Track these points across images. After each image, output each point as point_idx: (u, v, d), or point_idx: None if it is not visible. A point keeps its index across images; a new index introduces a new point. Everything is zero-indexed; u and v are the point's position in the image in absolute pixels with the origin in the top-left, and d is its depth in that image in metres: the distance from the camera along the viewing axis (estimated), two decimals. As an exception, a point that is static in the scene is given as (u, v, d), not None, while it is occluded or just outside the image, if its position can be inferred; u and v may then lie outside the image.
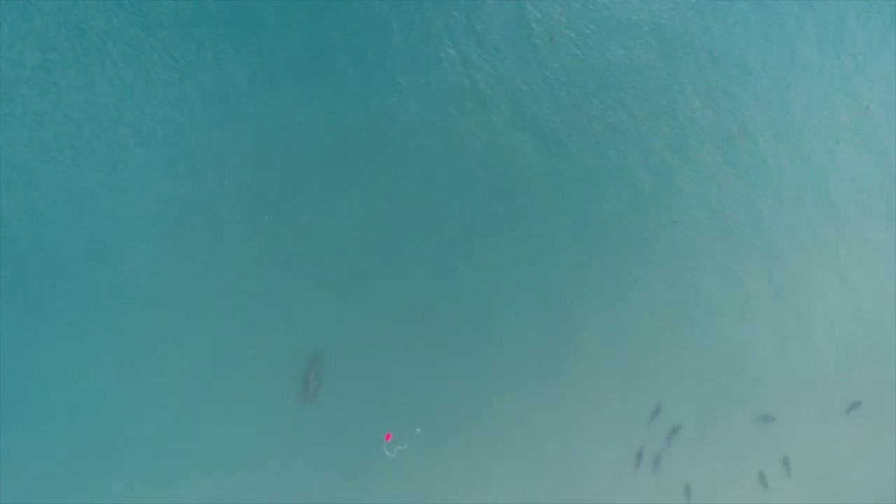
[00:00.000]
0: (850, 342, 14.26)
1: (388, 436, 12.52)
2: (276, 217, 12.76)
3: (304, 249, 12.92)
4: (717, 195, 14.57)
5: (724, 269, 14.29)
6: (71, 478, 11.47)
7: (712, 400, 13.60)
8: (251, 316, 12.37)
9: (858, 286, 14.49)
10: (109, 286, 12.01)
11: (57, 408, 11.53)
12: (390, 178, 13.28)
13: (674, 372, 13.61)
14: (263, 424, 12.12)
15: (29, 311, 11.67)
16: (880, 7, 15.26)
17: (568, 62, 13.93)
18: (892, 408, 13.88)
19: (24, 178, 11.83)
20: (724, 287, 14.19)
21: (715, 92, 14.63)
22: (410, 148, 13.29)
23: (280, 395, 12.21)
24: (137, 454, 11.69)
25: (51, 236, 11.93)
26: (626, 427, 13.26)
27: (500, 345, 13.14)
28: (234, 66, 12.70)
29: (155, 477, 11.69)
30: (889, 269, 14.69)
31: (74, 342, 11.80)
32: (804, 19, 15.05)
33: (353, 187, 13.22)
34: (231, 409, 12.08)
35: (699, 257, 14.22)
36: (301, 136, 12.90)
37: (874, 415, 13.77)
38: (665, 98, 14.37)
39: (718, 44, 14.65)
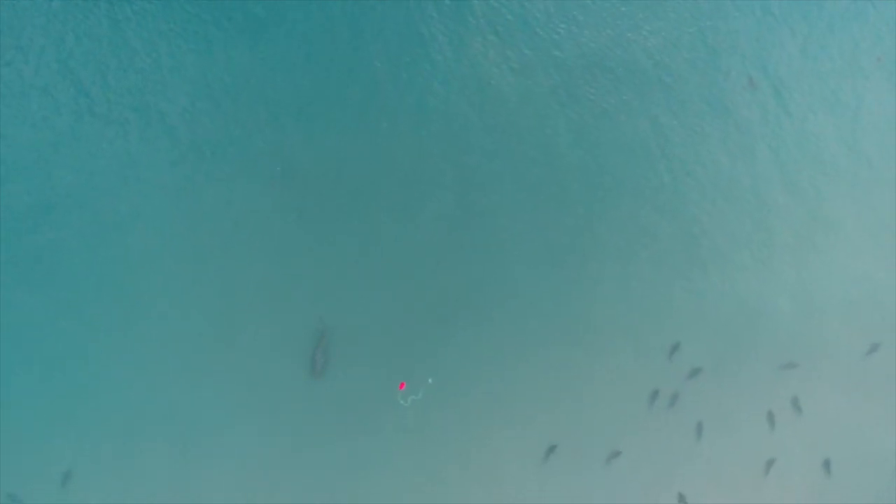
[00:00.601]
0: (871, 282, 13.97)
1: (402, 385, 12.78)
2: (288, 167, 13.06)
3: (316, 208, 13.25)
4: (734, 142, 14.42)
5: (739, 214, 14.12)
6: (66, 448, 11.99)
7: (730, 343, 13.49)
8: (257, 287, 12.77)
9: (878, 226, 14.16)
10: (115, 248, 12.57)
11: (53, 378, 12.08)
12: (398, 128, 13.52)
13: (690, 316, 13.55)
14: (272, 403, 12.38)
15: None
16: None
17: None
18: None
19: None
20: (739, 232, 14.01)
21: (732, 38, 14.63)
22: (426, 100, 13.59)
23: (288, 373, 12.48)
24: (140, 428, 12.12)
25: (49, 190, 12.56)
26: (641, 368, 13.26)
27: (514, 291, 13.28)
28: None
29: (160, 453, 12.08)
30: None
31: (78, 305, 12.34)
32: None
33: (361, 142, 13.53)
34: (238, 390, 12.39)
35: (713, 203, 14.08)
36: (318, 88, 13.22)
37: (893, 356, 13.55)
38: (685, 44, 14.27)
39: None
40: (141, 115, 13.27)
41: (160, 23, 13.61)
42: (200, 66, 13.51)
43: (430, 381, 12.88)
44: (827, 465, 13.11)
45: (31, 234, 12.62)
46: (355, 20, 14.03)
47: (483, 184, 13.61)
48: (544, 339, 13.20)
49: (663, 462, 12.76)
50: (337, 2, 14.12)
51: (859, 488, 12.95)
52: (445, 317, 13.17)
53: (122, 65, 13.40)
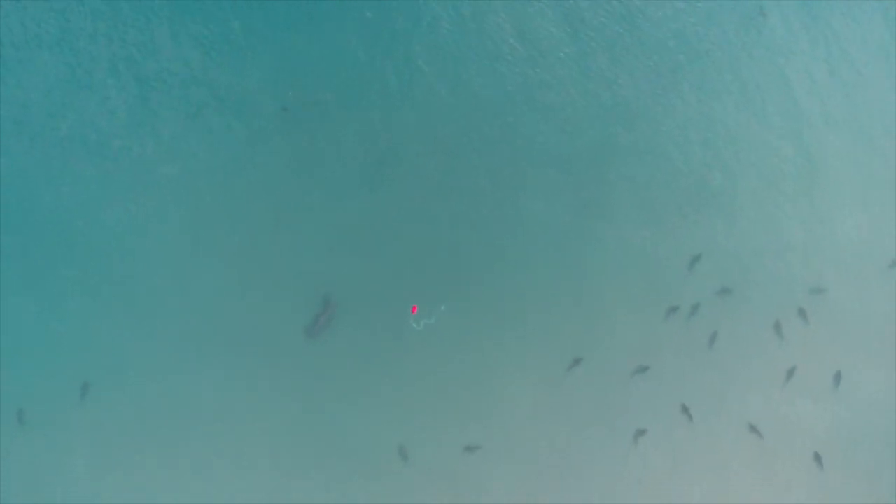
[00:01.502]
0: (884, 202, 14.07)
1: (414, 308, 12.90)
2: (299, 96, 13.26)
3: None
4: (746, 71, 14.45)
5: (752, 138, 14.17)
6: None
7: (747, 262, 13.57)
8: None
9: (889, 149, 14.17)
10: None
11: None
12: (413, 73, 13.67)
13: (704, 239, 13.63)
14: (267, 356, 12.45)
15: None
16: None
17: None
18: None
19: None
20: (749, 156, 14.06)
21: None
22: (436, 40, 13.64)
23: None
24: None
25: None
26: (657, 285, 13.36)
27: (527, 214, 13.40)
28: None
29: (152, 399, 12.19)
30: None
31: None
32: None
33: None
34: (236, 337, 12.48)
35: (727, 129, 14.13)
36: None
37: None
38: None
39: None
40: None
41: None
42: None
43: (442, 307, 12.97)
44: (837, 377, 13.20)
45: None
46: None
47: (497, 114, 13.75)
48: (559, 263, 13.31)
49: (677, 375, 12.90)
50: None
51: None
52: (457, 244, 13.28)
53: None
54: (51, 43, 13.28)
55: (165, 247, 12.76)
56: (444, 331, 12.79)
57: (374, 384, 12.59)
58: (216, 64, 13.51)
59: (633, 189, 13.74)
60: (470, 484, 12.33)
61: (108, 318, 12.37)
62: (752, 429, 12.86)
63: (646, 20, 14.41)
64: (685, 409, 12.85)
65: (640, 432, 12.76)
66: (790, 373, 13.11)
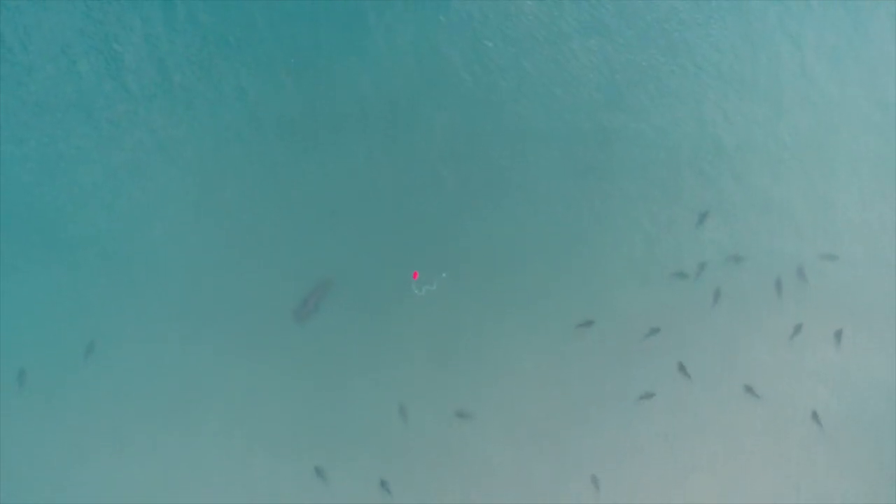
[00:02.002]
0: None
1: (416, 274, 12.91)
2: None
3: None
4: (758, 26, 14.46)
5: (767, 99, 14.18)
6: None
7: (754, 223, 13.58)
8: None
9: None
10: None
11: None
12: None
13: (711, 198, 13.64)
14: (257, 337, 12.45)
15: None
16: None
17: None
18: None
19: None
20: (757, 115, 14.09)
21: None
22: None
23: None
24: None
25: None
26: (663, 247, 13.34)
27: (530, 176, 13.40)
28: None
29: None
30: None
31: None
32: None
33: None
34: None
35: (737, 87, 14.14)
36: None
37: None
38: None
39: None
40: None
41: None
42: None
43: (444, 275, 12.97)
44: (838, 335, 13.15)
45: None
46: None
47: (500, 69, 13.79)
48: (562, 227, 13.29)
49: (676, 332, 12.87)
50: None
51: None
52: (459, 210, 13.27)
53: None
54: None
55: (165, 216, 12.87)
56: (445, 297, 12.77)
57: (373, 352, 12.56)
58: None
59: (638, 150, 13.70)
60: (469, 451, 12.26)
61: (97, 286, 12.51)
62: (748, 390, 12.78)
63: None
64: (682, 368, 12.77)
65: (648, 395, 12.67)
66: (797, 329, 13.07)
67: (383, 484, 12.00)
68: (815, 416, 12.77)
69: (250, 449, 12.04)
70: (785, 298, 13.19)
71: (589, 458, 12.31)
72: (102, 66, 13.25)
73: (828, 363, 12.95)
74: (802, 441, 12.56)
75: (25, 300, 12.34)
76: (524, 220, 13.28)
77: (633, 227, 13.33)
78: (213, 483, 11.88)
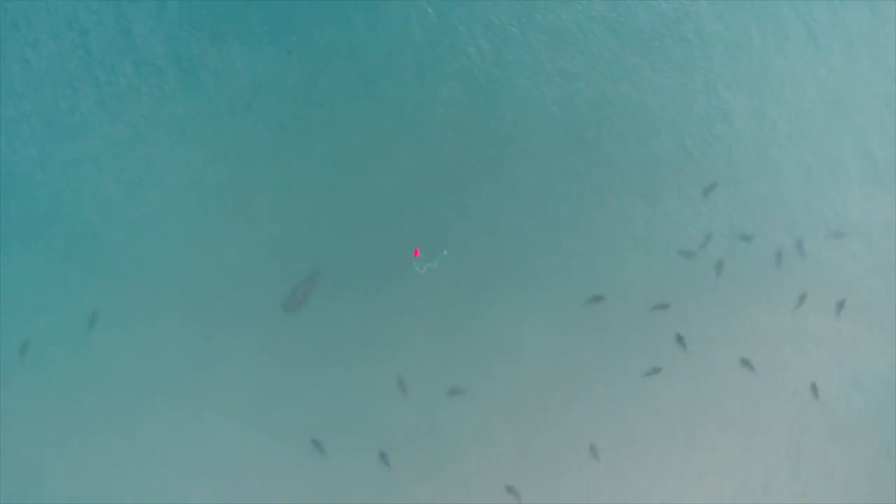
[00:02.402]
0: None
1: (416, 251, 12.87)
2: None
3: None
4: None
5: (773, 71, 14.19)
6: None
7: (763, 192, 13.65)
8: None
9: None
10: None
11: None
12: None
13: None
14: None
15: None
16: None
17: None
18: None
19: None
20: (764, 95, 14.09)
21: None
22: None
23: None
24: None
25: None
26: (666, 218, 13.36)
27: (531, 147, 13.38)
28: None
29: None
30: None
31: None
32: None
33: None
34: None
35: (747, 63, 14.16)
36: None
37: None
38: None
39: None
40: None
41: None
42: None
43: (445, 252, 12.95)
44: (840, 305, 13.17)
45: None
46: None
47: (505, 43, 13.78)
48: (564, 201, 13.29)
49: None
50: None
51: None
52: (460, 185, 13.26)
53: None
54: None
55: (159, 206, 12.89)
56: (446, 274, 12.77)
57: (374, 330, 12.55)
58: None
59: (641, 122, 13.71)
60: (469, 426, 12.26)
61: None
62: (745, 363, 12.79)
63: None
64: (680, 339, 12.79)
65: (655, 370, 12.68)
66: (801, 299, 13.13)
67: (382, 456, 12.00)
68: (813, 387, 12.76)
69: (250, 424, 12.02)
70: (785, 270, 13.19)
71: (590, 432, 12.29)
72: (108, 40, 13.30)
73: (829, 335, 12.95)
74: (801, 414, 12.56)
75: (27, 273, 12.36)
76: (525, 195, 13.26)
77: (636, 200, 13.31)
78: (211, 457, 11.86)
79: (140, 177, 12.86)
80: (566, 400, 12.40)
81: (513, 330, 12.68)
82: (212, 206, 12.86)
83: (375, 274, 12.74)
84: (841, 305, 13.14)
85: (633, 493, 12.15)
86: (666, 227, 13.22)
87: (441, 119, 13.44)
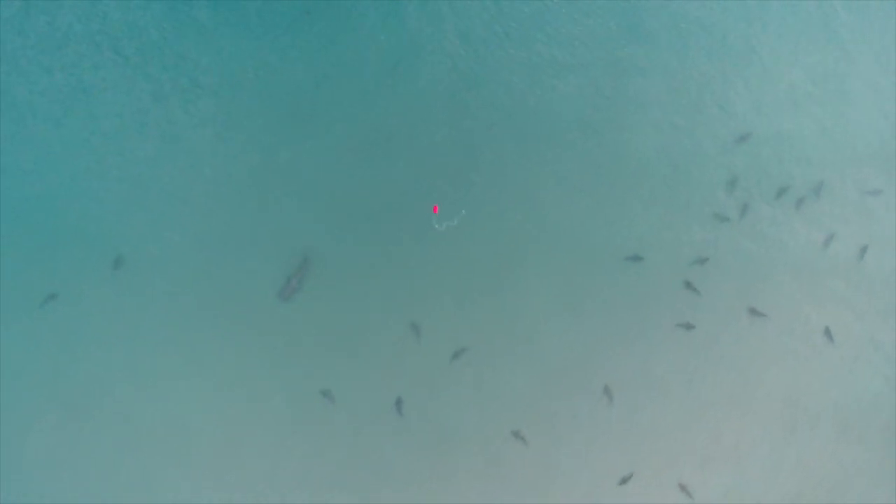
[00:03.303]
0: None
1: (436, 208, 13.04)
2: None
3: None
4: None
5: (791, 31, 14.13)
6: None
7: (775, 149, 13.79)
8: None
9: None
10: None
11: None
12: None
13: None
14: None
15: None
16: None
17: None
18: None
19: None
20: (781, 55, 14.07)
21: None
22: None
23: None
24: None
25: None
26: (688, 174, 13.51)
27: (551, 107, 13.45)
28: None
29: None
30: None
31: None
32: None
33: None
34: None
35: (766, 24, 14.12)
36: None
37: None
38: None
39: None
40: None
41: None
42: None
43: (463, 211, 13.12)
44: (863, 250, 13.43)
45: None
46: None
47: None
48: (586, 159, 13.41)
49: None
50: None
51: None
52: (480, 143, 13.37)
53: None
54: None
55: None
56: (465, 233, 12.98)
57: (393, 287, 12.80)
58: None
59: (660, 79, 13.76)
60: (487, 381, 12.58)
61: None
62: (753, 311, 13.05)
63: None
64: (689, 285, 13.04)
65: (688, 326, 12.93)
66: (827, 241, 13.40)
67: (398, 402, 12.30)
68: (827, 331, 13.02)
69: (266, 376, 12.33)
70: (803, 216, 13.41)
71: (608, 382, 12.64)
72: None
73: (849, 280, 13.20)
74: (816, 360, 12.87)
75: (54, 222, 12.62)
76: (544, 153, 13.37)
77: (656, 156, 13.43)
78: (226, 404, 12.22)
79: (162, 130, 12.94)
80: (583, 358, 12.69)
81: (531, 287, 12.92)
82: (234, 156, 12.99)
83: (395, 232, 12.93)
84: (864, 251, 13.38)
85: (645, 439, 12.51)
86: (685, 184, 13.39)
87: (460, 77, 13.49)
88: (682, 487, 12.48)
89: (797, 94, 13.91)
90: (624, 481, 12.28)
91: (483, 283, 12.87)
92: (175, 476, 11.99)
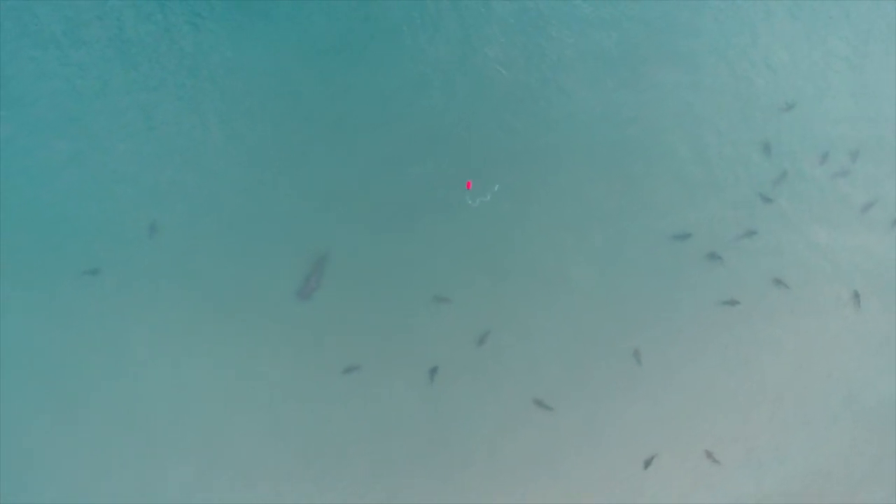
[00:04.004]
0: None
1: (469, 184, 13.00)
2: None
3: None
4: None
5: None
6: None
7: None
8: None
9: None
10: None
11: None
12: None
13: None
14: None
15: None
16: None
17: None
18: None
19: None
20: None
21: None
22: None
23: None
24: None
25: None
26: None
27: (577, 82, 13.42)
28: None
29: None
30: None
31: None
32: None
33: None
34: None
35: None
36: None
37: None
38: None
39: None
40: None
41: None
42: None
43: (496, 187, 13.10)
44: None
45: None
46: None
47: None
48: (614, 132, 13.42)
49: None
50: None
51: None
52: (511, 117, 13.29)
53: None
54: None
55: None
56: (498, 209, 12.97)
57: (425, 262, 12.80)
58: None
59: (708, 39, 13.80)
60: (519, 358, 12.70)
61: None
62: (778, 282, 13.35)
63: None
64: (714, 256, 13.22)
65: (732, 302, 13.14)
66: (865, 207, 13.72)
67: (432, 372, 12.41)
68: (856, 296, 13.37)
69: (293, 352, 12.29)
70: (844, 181, 13.68)
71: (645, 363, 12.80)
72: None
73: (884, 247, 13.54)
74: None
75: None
76: (577, 127, 13.34)
77: (696, 122, 13.48)
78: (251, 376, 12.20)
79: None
80: (618, 333, 12.88)
81: (565, 263, 13.01)
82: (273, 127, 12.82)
83: (426, 207, 12.87)
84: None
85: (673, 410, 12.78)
86: (725, 152, 13.48)
87: (495, 48, 13.34)
88: (709, 454, 12.69)
89: (836, 58, 14.04)
90: (647, 464, 12.56)
91: (516, 259, 12.92)
92: (189, 472, 11.99)
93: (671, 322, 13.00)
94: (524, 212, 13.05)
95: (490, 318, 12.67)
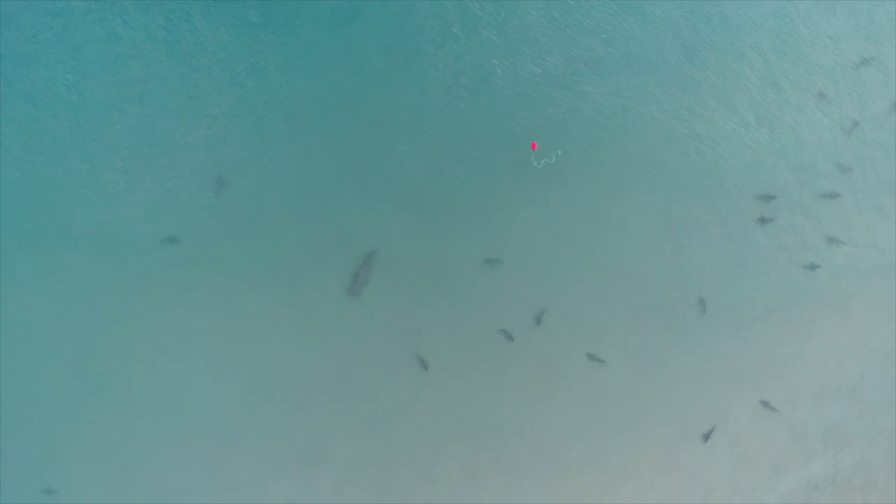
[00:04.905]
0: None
1: (534, 145, 12.98)
2: None
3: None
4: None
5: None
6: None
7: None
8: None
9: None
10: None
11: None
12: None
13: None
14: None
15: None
16: None
17: None
18: None
19: None
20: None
21: None
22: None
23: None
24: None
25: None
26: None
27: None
28: None
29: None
30: None
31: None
32: None
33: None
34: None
35: None
36: None
37: None
38: None
39: None
40: None
41: None
42: None
43: (559, 152, 13.08)
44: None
45: None
46: None
47: None
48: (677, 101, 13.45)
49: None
50: None
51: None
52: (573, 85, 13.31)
53: None
54: None
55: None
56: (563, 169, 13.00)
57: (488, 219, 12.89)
58: None
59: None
60: (578, 315, 12.80)
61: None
62: (831, 240, 13.68)
63: None
64: (764, 220, 13.43)
65: (814, 266, 13.42)
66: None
67: (505, 334, 12.51)
68: None
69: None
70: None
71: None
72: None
73: None
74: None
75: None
76: (646, 82, 13.36)
77: (760, 81, 13.57)
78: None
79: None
80: (681, 290, 13.02)
81: (629, 221, 13.11)
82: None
83: (493, 166, 12.90)
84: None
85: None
86: (791, 105, 13.65)
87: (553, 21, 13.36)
88: (765, 404, 13.11)
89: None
90: (706, 437, 12.76)
91: (581, 219, 12.98)
92: (234, 467, 12.13)
93: (736, 281, 13.19)
94: (590, 171, 13.12)
95: (554, 279, 12.73)
